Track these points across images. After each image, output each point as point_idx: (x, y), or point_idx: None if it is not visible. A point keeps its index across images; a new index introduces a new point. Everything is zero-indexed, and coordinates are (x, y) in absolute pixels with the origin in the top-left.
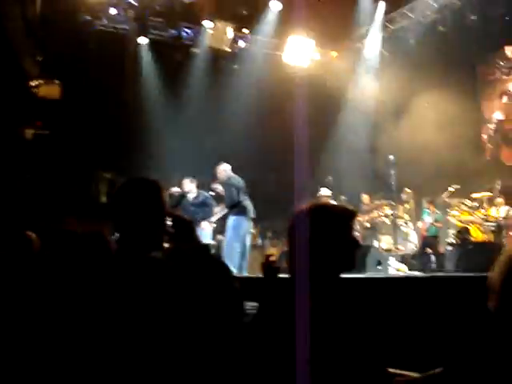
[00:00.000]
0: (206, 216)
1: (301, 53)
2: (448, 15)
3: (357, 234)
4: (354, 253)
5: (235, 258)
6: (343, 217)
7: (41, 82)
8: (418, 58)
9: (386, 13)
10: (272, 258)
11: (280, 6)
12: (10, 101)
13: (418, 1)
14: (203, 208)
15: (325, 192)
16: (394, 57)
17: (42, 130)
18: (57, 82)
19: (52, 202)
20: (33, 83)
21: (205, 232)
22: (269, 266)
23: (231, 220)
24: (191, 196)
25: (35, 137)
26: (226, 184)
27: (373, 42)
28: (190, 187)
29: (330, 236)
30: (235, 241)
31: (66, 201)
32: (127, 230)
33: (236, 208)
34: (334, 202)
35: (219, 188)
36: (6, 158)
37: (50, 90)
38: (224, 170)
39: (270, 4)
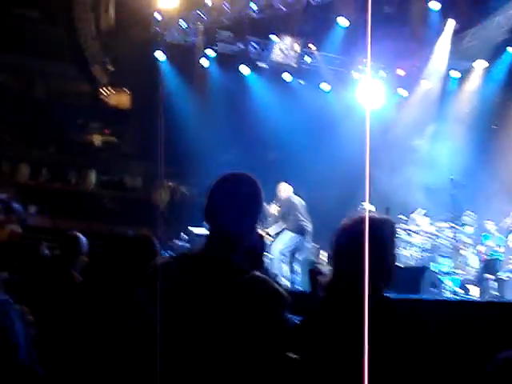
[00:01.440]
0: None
1: (372, 94)
2: None
3: (415, 255)
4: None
5: (282, 270)
6: (391, 230)
7: (111, 90)
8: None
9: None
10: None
11: (347, 23)
12: (81, 107)
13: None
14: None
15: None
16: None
17: (110, 136)
18: (126, 91)
19: (114, 206)
20: (103, 91)
21: (282, 238)
22: (314, 272)
23: (286, 235)
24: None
25: (103, 143)
26: (286, 204)
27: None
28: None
29: (380, 249)
30: (284, 255)
31: (127, 206)
32: (221, 224)
33: (294, 226)
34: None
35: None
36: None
37: (119, 98)
38: (285, 189)
39: (338, 20)
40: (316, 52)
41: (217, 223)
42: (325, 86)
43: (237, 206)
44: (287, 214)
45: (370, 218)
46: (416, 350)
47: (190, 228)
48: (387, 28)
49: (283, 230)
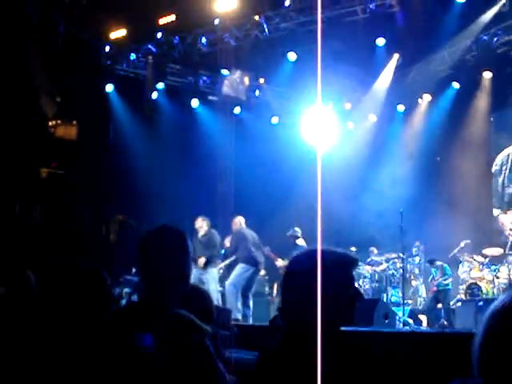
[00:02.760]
0: (212, 256)
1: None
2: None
3: (365, 286)
4: (355, 305)
5: (235, 303)
6: (345, 263)
7: (58, 122)
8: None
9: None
10: None
11: (295, 57)
12: (27, 139)
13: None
14: (210, 247)
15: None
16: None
17: (56, 169)
18: (74, 123)
19: (61, 240)
20: (50, 123)
21: (211, 276)
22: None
23: (238, 267)
24: (200, 234)
25: (49, 176)
26: (237, 236)
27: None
28: (200, 224)
29: (333, 285)
30: (236, 287)
31: (76, 239)
32: (153, 278)
33: (246, 258)
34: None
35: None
36: (21, 194)
37: (67, 130)
38: (236, 222)
39: (287, 54)
40: (265, 85)
41: (147, 274)
42: (274, 119)
43: (163, 258)
44: (238, 246)
45: (322, 253)
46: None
47: None
48: (335, 62)
49: (235, 262)
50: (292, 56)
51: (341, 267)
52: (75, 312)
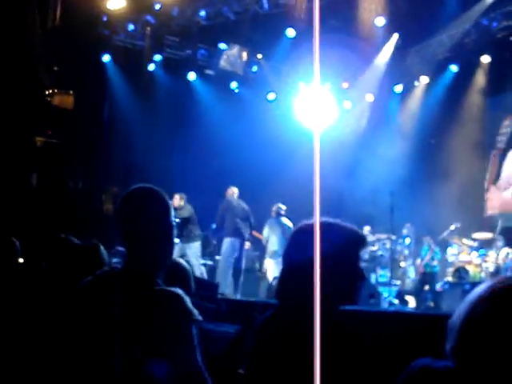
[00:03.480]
0: (192, 230)
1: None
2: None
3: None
4: (359, 285)
5: (227, 280)
6: (356, 241)
7: (55, 91)
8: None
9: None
10: None
11: (294, 33)
12: (24, 108)
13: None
14: (189, 223)
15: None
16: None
17: (52, 138)
18: (71, 92)
19: (57, 212)
20: (47, 92)
21: (192, 251)
22: None
23: (225, 242)
24: (179, 210)
25: (45, 145)
26: (225, 205)
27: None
28: (178, 202)
29: (339, 261)
30: (226, 263)
31: (70, 211)
32: (135, 241)
33: (231, 230)
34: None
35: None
36: (16, 164)
37: (63, 99)
38: (232, 191)
39: (286, 30)
40: (263, 61)
41: (129, 240)
42: (271, 96)
43: (144, 222)
44: (224, 215)
45: (324, 224)
46: (358, 364)
47: None
48: (333, 41)
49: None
50: (291, 32)
51: (352, 245)
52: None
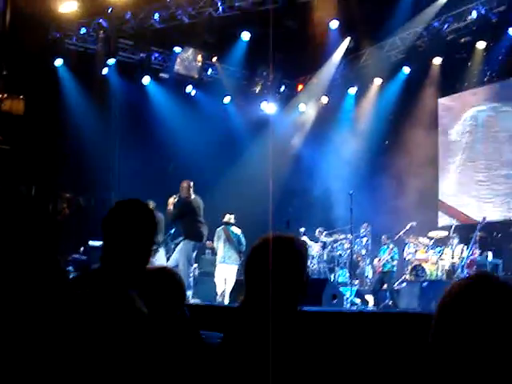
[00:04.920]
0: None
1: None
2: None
3: (314, 266)
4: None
5: (187, 281)
6: (303, 249)
7: (5, 96)
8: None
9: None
10: None
11: (249, 36)
12: None
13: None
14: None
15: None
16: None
17: (2, 144)
18: (21, 97)
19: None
20: None
21: (159, 255)
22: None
23: (184, 244)
24: None
25: None
26: (185, 204)
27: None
28: None
29: (292, 268)
30: (187, 264)
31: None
32: (117, 251)
33: (191, 232)
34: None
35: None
36: None
37: (14, 104)
38: (188, 186)
39: (241, 34)
40: (218, 64)
41: (108, 247)
42: (226, 99)
43: (128, 233)
44: (183, 215)
45: (282, 238)
46: (317, 363)
47: (89, 242)
48: (289, 43)
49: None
50: (246, 35)
51: (301, 256)
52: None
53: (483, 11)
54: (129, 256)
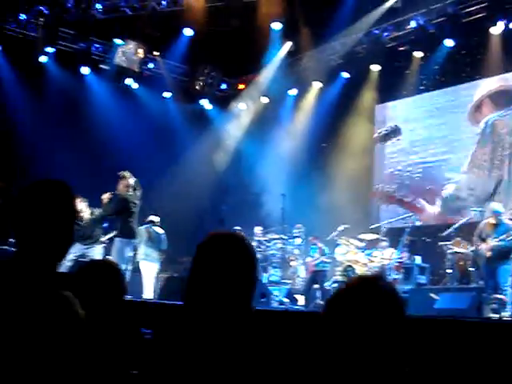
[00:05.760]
0: (94, 231)
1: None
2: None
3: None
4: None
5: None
6: (252, 247)
7: None
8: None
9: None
10: None
11: (192, 33)
12: None
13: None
14: (91, 224)
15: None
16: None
17: None
18: None
19: None
20: None
21: (95, 251)
22: None
23: (118, 242)
24: (82, 216)
25: None
26: (122, 200)
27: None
28: (80, 207)
29: (242, 266)
30: (122, 263)
31: None
32: (31, 238)
33: (122, 230)
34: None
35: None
36: None
37: None
38: (127, 183)
39: (183, 30)
40: (160, 59)
41: (20, 234)
42: (166, 94)
43: (39, 217)
44: (119, 211)
45: (233, 235)
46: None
47: None
48: (232, 42)
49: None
50: (188, 31)
51: (248, 250)
52: None
53: (422, 22)
54: (42, 246)
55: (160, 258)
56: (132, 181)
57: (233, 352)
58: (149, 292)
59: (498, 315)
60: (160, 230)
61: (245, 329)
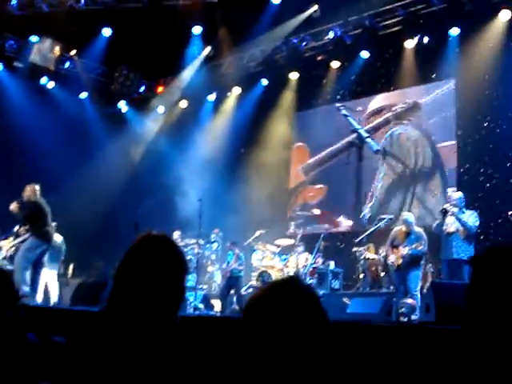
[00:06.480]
0: None
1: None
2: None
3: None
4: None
5: (23, 278)
6: (182, 251)
7: None
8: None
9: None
10: None
11: (110, 33)
12: None
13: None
14: None
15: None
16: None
17: None
18: None
19: None
20: None
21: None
22: None
23: (30, 242)
24: None
25: None
26: (32, 207)
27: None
28: None
29: (170, 271)
30: (27, 262)
31: None
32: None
33: (39, 234)
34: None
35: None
36: None
37: None
38: (33, 189)
39: (102, 30)
40: (77, 58)
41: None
42: (83, 94)
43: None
44: (32, 218)
45: (162, 238)
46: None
47: None
48: (151, 44)
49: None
50: (107, 32)
51: (178, 255)
52: None
53: (339, 33)
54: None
55: (58, 266)
56: (37, 187)
57: (151, 359)
58: (53, 297)
59: (407, 319)
60: (59, 238)
61: (167, 338)
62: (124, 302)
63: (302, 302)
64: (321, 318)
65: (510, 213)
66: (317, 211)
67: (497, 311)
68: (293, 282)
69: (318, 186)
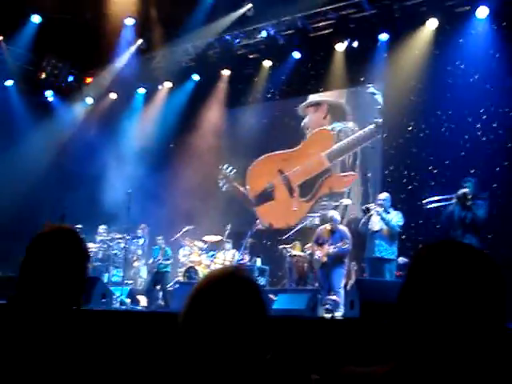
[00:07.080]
0: None
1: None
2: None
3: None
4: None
5: None
6: (84, 243)
7: None
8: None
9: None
10: None
11: (39, 20)
12: None
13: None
14: None
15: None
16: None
17: None
18: None
19: None
20: None
21: None
22: None
23: None
24: None
25: None
26: None
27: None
28: None
29: (72, 263)
30: None
31: None
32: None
33: None
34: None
35: None
36: None
37: None
38: None
39: (31, 17)
40: (3, 44)
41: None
42: (8, 82)
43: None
44: None
45: (65, 230)
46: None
47: None
48: (81, 34)
49: None
50: (36, 19)
51: (79, 247)
52: None
53: (272, 32)
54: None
55: None
56: None
57: (53, 352)
58: None
59: (331, 315)
60: None
61: (66, 328)
62: (27, 292)
63: (247, 292)
64: (263, 310)
65: (424, 201)
66: None
67: (430, 305)
68: (237, 273)
69: None
